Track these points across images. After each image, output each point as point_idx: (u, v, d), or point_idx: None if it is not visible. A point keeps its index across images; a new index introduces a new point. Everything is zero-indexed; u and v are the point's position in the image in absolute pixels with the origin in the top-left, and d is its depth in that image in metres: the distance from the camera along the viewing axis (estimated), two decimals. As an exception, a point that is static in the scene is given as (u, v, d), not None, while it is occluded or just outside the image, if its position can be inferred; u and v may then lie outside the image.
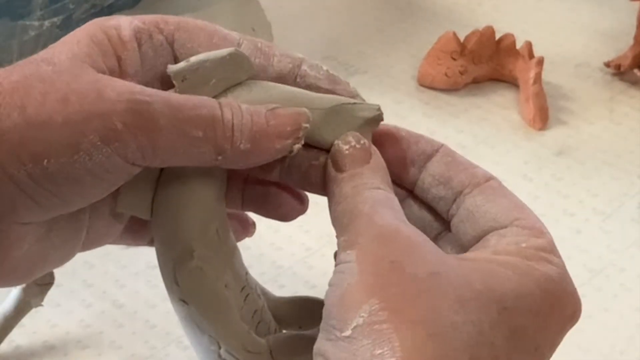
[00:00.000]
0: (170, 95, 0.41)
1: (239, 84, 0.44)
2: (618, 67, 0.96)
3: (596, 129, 0.92)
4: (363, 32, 1.02)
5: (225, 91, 0.44)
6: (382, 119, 0.45)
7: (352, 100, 0.45)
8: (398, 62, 0.98)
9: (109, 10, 0.92)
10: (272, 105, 0.43)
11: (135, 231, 0.47)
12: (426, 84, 0.95)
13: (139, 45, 0.43)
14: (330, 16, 1.05)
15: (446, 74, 0.94)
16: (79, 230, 0.44)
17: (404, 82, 0.96)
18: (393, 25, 1.04)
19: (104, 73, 0.41)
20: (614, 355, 0.71)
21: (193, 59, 0.43)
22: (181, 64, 0.43)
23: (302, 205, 0.48)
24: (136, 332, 0.71)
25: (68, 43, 0.43)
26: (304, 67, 0.45)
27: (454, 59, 0.94)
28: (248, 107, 0.42)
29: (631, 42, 0.96)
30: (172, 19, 0.45)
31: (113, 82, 0.40)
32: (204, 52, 0.44)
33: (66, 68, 0.41)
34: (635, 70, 0.96)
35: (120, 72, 0.42)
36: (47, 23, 0.88)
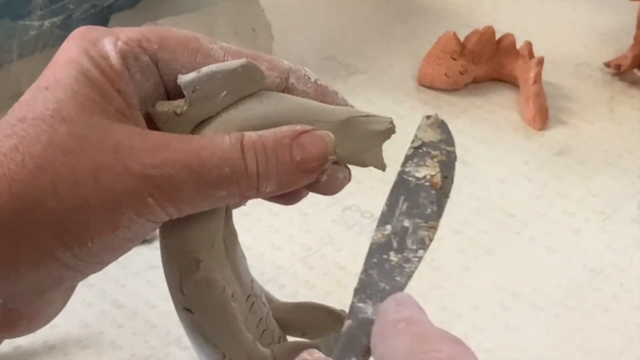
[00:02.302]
0: (191, 155, 0.41)
1: (249, 95, 0.43)
2: (618, 67, 0.96)
3: (596, 129, 0.92)
4: (363, 32, 1.02)
5: (236, 102, 0.43)
6: (394, 132, 0.45)
7: (364, 113, 0.45)
8: (398, 62, 0.98)
9: (109, 11, 0.92)
10: (297, 127, 0.42)
11: None
12: (426, 84, 0.95)
13: (128, 69, 0.43)
14: (330, 16, 1.05)
15: (446, 74, 0.94)
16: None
17: (404, 82, 0.96)
18: (393, 25, 1.04)
19: (114, 116, 0.41)
20: (614, 355, 0.71)
21: (205, 69, 0.43)
22: (192, 75, 0.43)
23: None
24: (136, 332, 0.71)
25: (65, 84, 0.41)
26: (292, 79, 0.45)
27: (454, 59, 0.94)
28: (274, 143, 0.41)
29: (631, 42, 0.96)
30: (154, 34, 0.43)
31: (131, 145, 0.40)
32: (193, 71, 0.43)
33: (82, 130, 0.40)
34: (635, 70, 0.96)
35: (126, 106, 0.42)
36: (47, 23, 0.88)
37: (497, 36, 0.94)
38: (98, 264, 0.42)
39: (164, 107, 0.43)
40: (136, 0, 0.94)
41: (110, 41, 0.42)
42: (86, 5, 0.90)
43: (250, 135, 0.42)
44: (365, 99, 0.93)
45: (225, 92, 0.43)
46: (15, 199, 0.39)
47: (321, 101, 0.44)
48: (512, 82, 0.95)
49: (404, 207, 0.43)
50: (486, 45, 0.94)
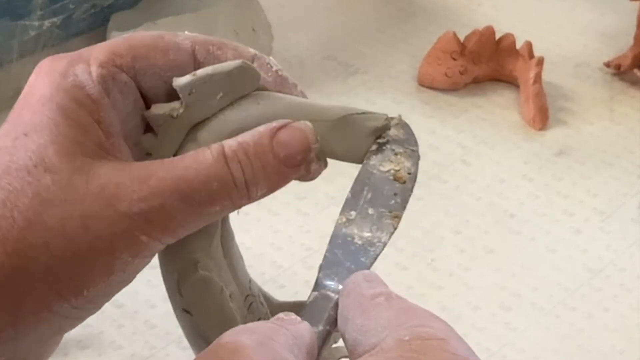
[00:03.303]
0: (177, 179, 0.40)
1: (245, 96, 0.43)
2: (618, 67, 0.96)
3: (596, 129, 0.92)
4: (363, 32, 1.02)
5: (232, 104, 0.43)
6: (389, 128, 0.45)
7: (359, 110, 0.45)
8: (398, 62, 0.98)
9: (109, 11, 0.92)
10: (273, 124, 0.42)
11: None
12: (426, 84, 0.95)
13: (107, 94, 0.41)
14: (330, 16, 1.05)
15: (446, 74, 0.94)
16: None
17: (404, 82, 0.96)
18: (393, 25, 1.04)
19: (95, 153, 0.40)
20: (614, 355, 0.71)
21: (200, 72, 0.42)
22: (187, 77, 0.42)
23: None
24: (136, 332, 0.71)
25: (44, 127, 0.40)
26: (255, 64, 0.44)
27: (454, 59, 0.94)
28: (254, 146, 0.41)
29: (631, 42, 0.96)
30: (123, 46, 0.42)
31: (115, 182, 0.40)
32: (169, 71, 0.42)
33: (66, 176, 0.40)
34: (635, 70, 0.96)
35: (106, 139, 0.41)
36: (47, 23, 0.88)
37: (497, 36, 0.94)
38: (95, 308, 0.41)
39: (160, 110, 0.43)
40: (136, 0, 0.94)
41: (83, 69, 0.41)
42: (86, 5, 0.90)
43: (231, 144, 0.41)
44: (365, 99, 0.93)
45: (221, 94, 0.43)
46: (9, 258, 0.38)
47: (278, 91, 0.44)
48: (512, 82, 0.95)
49: (369, 196, 0.44)
50: (486, 45, 0.94)
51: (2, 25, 0.86)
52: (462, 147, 0.89)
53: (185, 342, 0.70)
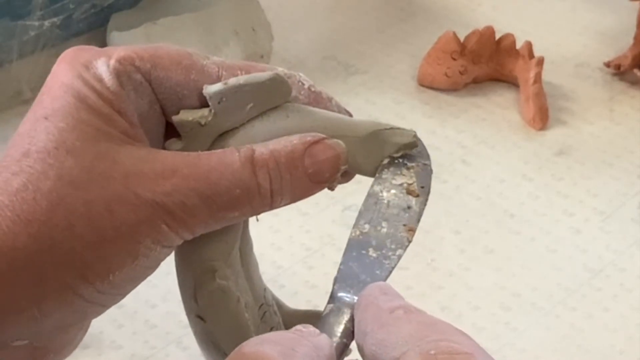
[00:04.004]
0: (200, 179, 0.40)
1: (275, 108, 0.43)
2: (618, 67, 0.96)
3: (596, 129, 0.92)
4: (363, 32, 1.02)
5: (261, 115, 0.43)
6: (417, 145, 0.45)
7: (388, 125, 0.44)
8: (398, 62, 0.98)
9: (109, 11, 0.92)
10: (308, 137, 0.42)
11: None
12: (426, 84, 0.95)
13: (122, 88, 0.42)
14: (330, 16, 1.05)
15: (446, 74, 0.94)
16: None
17: (404, 82, 0.96)
18: (393, 25, 1.04)
19: (119, 139, 0.41)
20: (614, 355, 0.71)
21: (232, 81, 0.42)
22: (218, 86, 0.42)
23: None
24: (136, 332, 0.71)
25: (63, 113, 0.40)
26: None
27: (454, 59, 0.94)
28: (286, 158, 0.41)
29: (631, 42, 0.96)
30: (147, 53, 0.43)
31: (140, 172, 0.40)
32: (186, 88, 0.42)
33: (89, 160, 0.40)
34: (635, 70, 0.96)
35: (129, 127, 0.41)
36: (47, 23, 0.88)
37: (497, 36, 0.94)
38: (120, 295, 0.42)
39: (189, 116, 0.43)
40: (136, 0, 0.94)
41: (104, 62, 0.42)
42: (86, 5, 0.90)
43: (262, 151, 0.41)
44: (365, 99, 0.93)
45: (251, 105, 0.42)
46: (33, 240, 0.38)
47: (314, 107, 0.44)
48: (512, 82, 0.95)
49: (382, 209, 0.44)
50: (486, 45, 0.94)
51: (2, 25, 0.86)
52: (462, 147, 0.89)
53: (185, 342, 0.70)
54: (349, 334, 0.40)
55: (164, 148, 0.43)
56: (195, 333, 0.44)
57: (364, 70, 0.97)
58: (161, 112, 0.43)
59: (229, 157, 0.41)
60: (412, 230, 0.43)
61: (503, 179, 0.86)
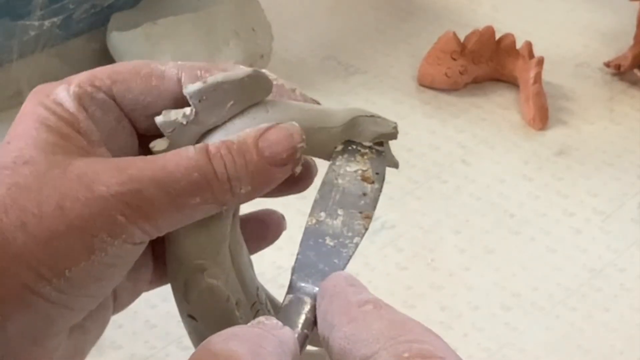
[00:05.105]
0: (156, 169, 0.41)
1: (256, 104, 0.43)
2: (618, 67, 0.96)
3: (596, 129, 0.92)
4: (363, 32, 1.02)
5: (242, 111, 0.43)
6: (395, 137, 0.45)
7: (368, 112, 0.44)
8: (398, 62, 0.98)
9: (109, 11, 0.92)
10: (262, 126, 0.42)
11: (161, 276, 0.47)
12: (426, 84, 0.95)
13: (86, 110, 0.43)
14: (330, 16, 1.05)
15: (446, 74, 0.94)
16: (107, 308, 0.45)
17: (404, 82, 0.96)
18: (393, 25, 1.04)
19: (76, 153, 0.41)
20: (614, 355, 0.71)
21: (211, 79, 0.42)
22: (198, 84, 0.42)
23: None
24: (136, 332, 0.71)
25: (24, 135, 0.42)
26: None
27: (454, 59, 0.94)
28: (238, 143, 0.42)
29: (631, 42, 0.96)
30: (103, 72, 0.44)
31: (94, 170, 0.40)
32: (149, 96, 0.43)
33: (44, 168, 0.41)
34: (635, 70, 0.96)
35: (88, 144, 0.42)
36: (47, 23, 0.88)
37: (497, 36, 0.94)
38: (86, 297, 0.41)
39: (171, 116, 0.43)
40: (136, 0, 0.94)
41: (63, 89, 0.43)
42: (86, 5, 0.90)
43: (214, 142, 0.42)
44: (365, 99, 0.93)
45: (232, 102, 0.43)
46: None
47: (279, 99, 0.44)
48: (512, 82, 0.95)
49: (337, 197, 0.43)
50: (486, 45, 0.94)
51: (2, 25, 0.86)
52: (462, 147, 0.89)
53: (185, 342, 0.70)
54: (310, 324, 0.40)
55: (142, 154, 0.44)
56: (189, 332, 0.44)
57: (364, 70, 0.97)
58: (130, 124, 0.44)
59: (184, 150, 0.42)
60: (368, 218, 0.43)
61: (503, 179, 0.86)
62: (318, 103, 0.45)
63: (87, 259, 0.40)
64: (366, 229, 0.43)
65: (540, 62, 0.92)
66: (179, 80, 0.43)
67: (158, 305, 0.72)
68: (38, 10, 0.87)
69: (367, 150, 0.44)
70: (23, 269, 0.39)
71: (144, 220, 0.40)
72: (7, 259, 0.39)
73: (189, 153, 0.41)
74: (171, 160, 0.41)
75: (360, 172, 0.44)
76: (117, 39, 0.89)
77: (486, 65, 0.95)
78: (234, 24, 0.91)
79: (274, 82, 0.44)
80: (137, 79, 0.43)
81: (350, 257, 0.42)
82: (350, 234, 0.42)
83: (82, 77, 0.43)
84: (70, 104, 0.42)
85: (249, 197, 0.42)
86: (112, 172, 0.40)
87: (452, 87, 0.94)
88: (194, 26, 0.90)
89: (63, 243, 0.40)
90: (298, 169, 0.43)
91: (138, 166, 0.41)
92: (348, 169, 0.44)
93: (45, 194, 0.40)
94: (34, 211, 0.39)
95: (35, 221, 0.39)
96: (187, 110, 0.43)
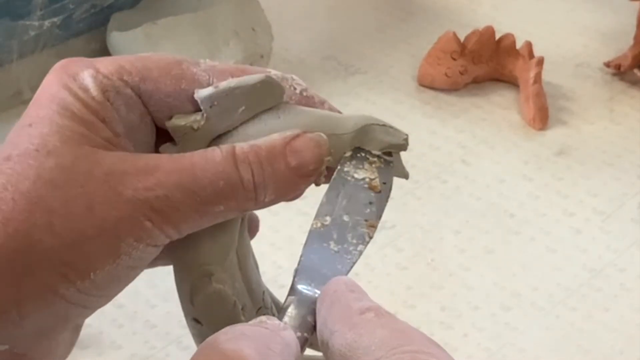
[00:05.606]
0: (183, 174, 0.40)
1: (267, 110, 0.43)
2: (618, 67, 0.96)
3: (596, 129, 0.92)
4: (363, 32, 1.02)
5: (254, 117, 0.43)
6: (405, 149, 0.45)
7: (381, 122, 0.44)
8: (398, 62, 0.98)
9: (109, 11, 0.92)
10: (287, 132, 0.42)
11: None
12: (426, 84, 0.95)
13: (111, 103, 0.42)
14: (330, 16, 1.05)
15: (446, 74, 0.94)
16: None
17: (404, 82, 0.96)
18: (393, 25, 1.04)
19: (101, 145, 0.41)
20: (614, 355, 0.71)
21: (223, 84, 0.42)
22: (210, 90, 0.42)
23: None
24: (136, 332, 0.71)
25: (48, 119, 0.40)
26: None
27: (454, 59, 0.94)
28: (267, 151, 0.41)
29: (631, 42, 0.96)
30: (135, 67, 0.42)
31: (122, 171, 0.40)
32: (177, 98, 0.42)
33: (69, 161, 0.39)
34: (635, 70, 0.96)
35: (113, 135, 0.41)
36: (47, 23, 0.88)
37: (497, 36, 0.94)
38: (104, 297, 0.41)
39: (181, 121, 0.43)
40: (136, 0, 0.94)
41: (90, 74, 0.41)
42: (86, 5, 0.90)
43: (242, 146, 0.41)
44: (365, 99, 0.93)
45: (243, 107, 0.42)
46: (12, 239, 0.38)
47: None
48: (512, 82, 0.95)
49: (344, 202, 0.43)
50: (486, 45, 0.94)
51: (2, 25, 0.86)
52: (462, 147, 0.89)
53: (185, 342, 0.70)
54: (310, 327, 0.40)
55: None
56: (193, 335, 0.44)
57: (364, 70, 0.97)
58: (152, 122, 0.43)
59: (211, 153, 0.41)
60: (373, 227, 0.43)
61: (503, 179, 0.86)
62: (340, 112, 0.45)
63: (113, 262, 0.40)
64: (371, 238, 0.43)
65: (540, 62, 0.92)
66: (210, 85, 0.43)
67: (158, 305, 0.72)
68: (38, 10, 0.87)
69: (375, 159, 0.44)
70: (48, 270, 0.39)
71: (168, 224, 0.40)
72: (33, 259, 0.38)
73: (215, 157, 0.41)
74: (198, 165, 0.41)
75: (367, 180, 0.44)
76: (117, 39, 0.89)
77: (486, 65, 0.95)
78: (234, 23, 0.91)
79: (304, 94, 0.44)
80: (166, 80, 0.42)
81: (354, 263, 0.42)
82: (354, 241, 0.42)
83: (110, 67, 0.42)
84: (96, 91, 0.41)
85: (269, 205, 0.42)
86: (140, 175, 0.40)
87: (452, 87, 0.94)
88: (194, 26, 0.90)
89: (91, 246, 0.39)
90: (321, 180, 0.43)
91: (165, 169, 0.40)
92: (356, 175, 0.44)
93: (73, 193, 0.39)
94: (62, 211, 0.39)
95: (63, 222, 0.39)
96: (198, 115, 0.42)
